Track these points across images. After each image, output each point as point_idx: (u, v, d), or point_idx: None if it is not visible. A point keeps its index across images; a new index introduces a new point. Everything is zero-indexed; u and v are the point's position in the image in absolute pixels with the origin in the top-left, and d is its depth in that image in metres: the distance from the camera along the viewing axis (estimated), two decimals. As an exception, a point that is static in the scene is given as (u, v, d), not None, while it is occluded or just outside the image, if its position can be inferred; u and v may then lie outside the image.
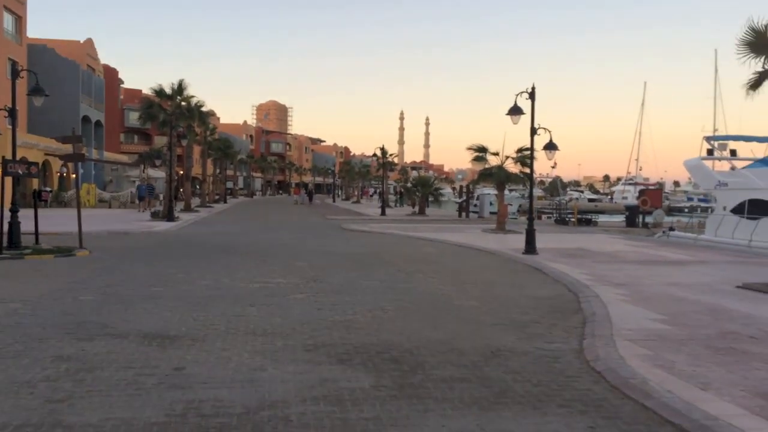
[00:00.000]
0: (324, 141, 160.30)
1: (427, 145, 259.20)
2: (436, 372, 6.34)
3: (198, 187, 59.78)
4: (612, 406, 5.41)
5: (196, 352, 6.94)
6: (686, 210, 60.56)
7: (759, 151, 27.80)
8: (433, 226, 31.70)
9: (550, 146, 20.22)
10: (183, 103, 36.05)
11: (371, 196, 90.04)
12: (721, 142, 28.54)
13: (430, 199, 46.73)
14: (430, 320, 8.92)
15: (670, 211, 57.09)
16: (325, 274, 13.53)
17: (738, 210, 23.96)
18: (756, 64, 11.78)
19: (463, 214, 43.88)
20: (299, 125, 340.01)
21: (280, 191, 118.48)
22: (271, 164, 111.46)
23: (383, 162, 53.33)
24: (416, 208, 46.55)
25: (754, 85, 11.95)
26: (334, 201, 77.78)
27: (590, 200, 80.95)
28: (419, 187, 46.61)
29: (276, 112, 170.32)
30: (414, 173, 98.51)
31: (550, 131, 19.68)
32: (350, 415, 5.08)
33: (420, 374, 6.25)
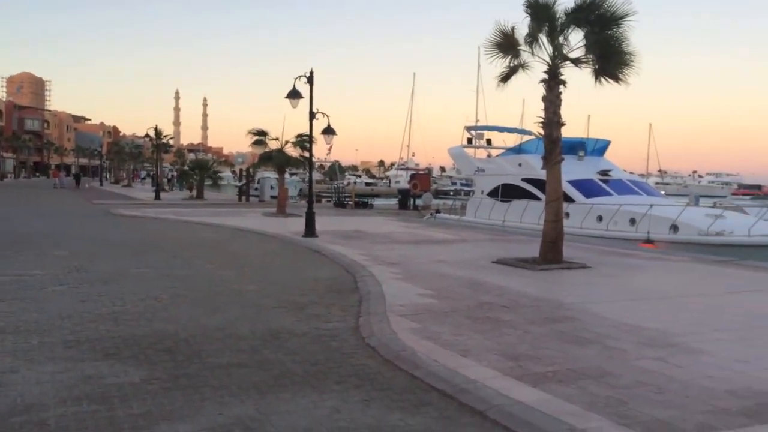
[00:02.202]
0: (89, 119, 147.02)
1: (205, 127, 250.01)
2: (213, 359, 6.17)
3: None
4: (385, 378, 5.70)
5: (-73, 358, 5.98)
6: (451, 193, 65.63)
7: (510, 140, 31.14)
8: (212, 210, 30.81)
9: (328, 131, 20.68)
10: None
11: (143, 179, 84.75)
12: (479, 131, 31.45)
13: (208, 182, 45.30)
14: (208, 307, 8.65)
15: (438, 194, 61.62)
16: (91, 263, 12.47)
17: (493, 194, 26.61)
18: (503, 62, 13.12)
19: (244, 198, 43.23)
20: (60, 101, 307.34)
21: (37, 173, 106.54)
22: (25, 143, 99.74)
23: (157, 143, 50.43)
24: (194, 192, 44.85)
25: (504, 78, 13.32)
26: (101, 184, 71.89)
27: (367, 184, 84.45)
28: (197, 170, 44.96)
29: (31, 86, 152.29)
30: (191, 156, 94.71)
31: (328, 116, 20.13)
32: (117, 412, 4.74)
33: (196, 363, 6.03)
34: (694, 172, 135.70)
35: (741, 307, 8.88)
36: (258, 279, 11.08)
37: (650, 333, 7.24)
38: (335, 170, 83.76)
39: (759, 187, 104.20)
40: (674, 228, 19.77)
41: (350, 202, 39.00)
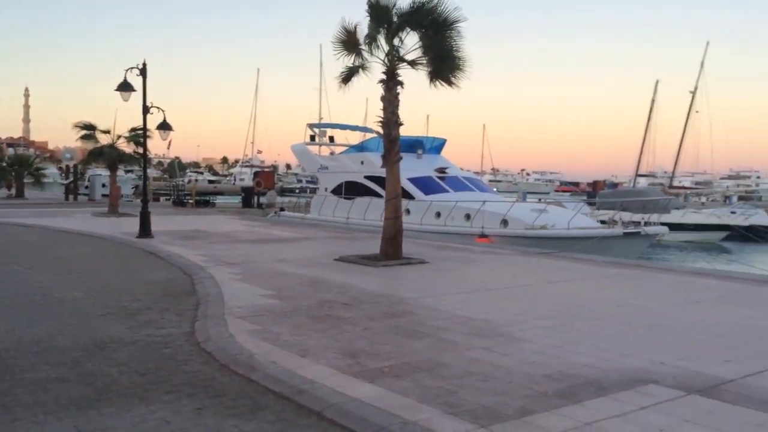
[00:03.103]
0: None
1: (27, 120, 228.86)
2: (28, 375, 5.64)
3: None
4: (220, 384, 5.52)
5: None
6: (297, 191, 65.40)
7: (354, 138, 31.55)
8: (35, 210, 28.28)
9: (164, 126, 19.73)
10: None
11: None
12: (322, 129, 31.57)
13: (29, 180, 41.48)
14: (25, 317, 7.91)
15: (283, 192, 61.05)
16: None
17: (337, 191, 26.84)
18: (348, 60, 13.28)
19: (72, 197, 40.10)
20: None
21: None
22: None
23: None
24: (13, 191, 40.89)
25: (345, 79, 13.47)
26: None
27: (210, 182, 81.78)
28: (16, 166, 41.02)
29: None
30: (10, 150, 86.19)
31: (164, 111, 19.19)
32: None
33: (8, 380, 5.48)
34: (523, 170, 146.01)
35: (559, 296, 9.66)
36: (85, 285, 10.31)
37: (480, 324, 7.66)
38: (174, 167, 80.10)
39: (577, 184, 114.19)
40: (504, 222, 21.10)
41: (191, 201, 37.54)
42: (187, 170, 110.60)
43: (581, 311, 8.51)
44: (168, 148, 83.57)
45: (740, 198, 60.48)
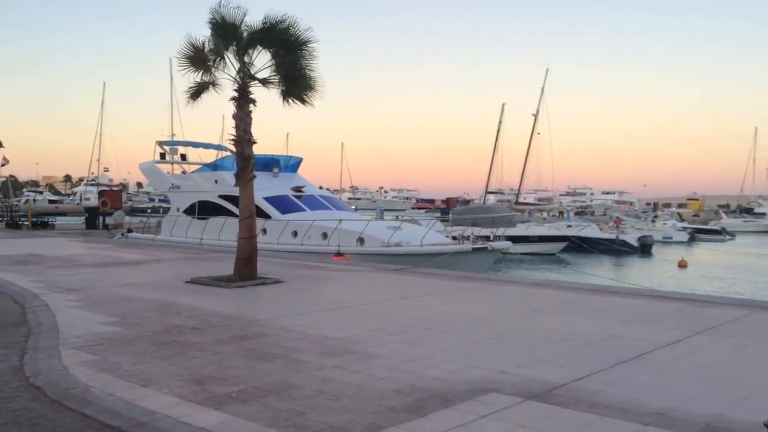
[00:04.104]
0: None
1: None
2: None
3: None
4: (50, 421, 5.09)
5: None
6: (149, 210, 62.46)
7: (208, 156, 30.66)
8: None
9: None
10: None
11: None
12: (173, 147, 30.37)
13: None
14: None
15: (133, 211, 58.05)
16: None
17: (190, 211, 25.89)
18: (197, 76, 12.91)
19: None
20: None
21: None
22: None
23: None
24: None
25: (194, 95, 13.09)
26: None
27: (51, 201, 75.95)
28: None
29: None
30: None
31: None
32: None
33: None
34: (381, 188, 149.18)
35: (412, 311, 9.92)
36: None
37: (333, 342, 7.67)
38: (8, 186, 73.59)
39: (433, 201, 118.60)
40: (361, 240, 21.37)
41: (26, 222, 34.57)
42: (24, 189, 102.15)
43: (432, 325, 8.78)
44: (3, 165, 76.88)
45: (576, 213, 65.73)
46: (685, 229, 55.48)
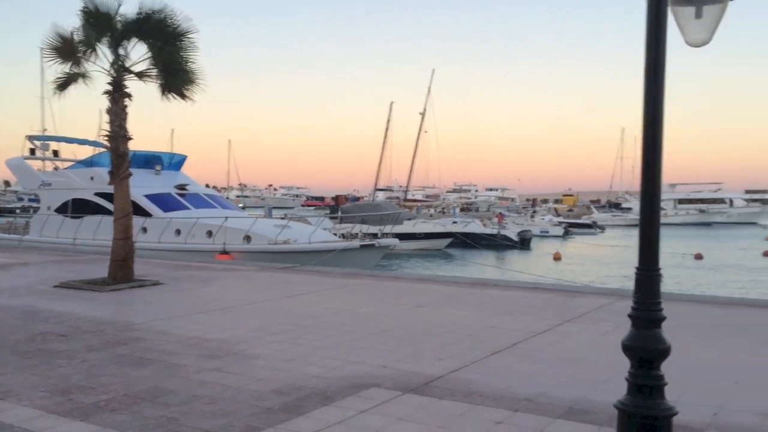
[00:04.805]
0: None
1: None
2: None
3: None
4: None
5: None
6: (18, 210, 58.41)
7: (82, 153, 29.01)
8: None
9: None
10: None
11: None
12: (44, 142, 28.49)
13: None
14: None
15: (1, 212, 54.04)
16: None
17: (62, 209, 24.39)
18: (65, 68, 12.14)
19: None
20: None
21: None
22: None
23: None
24: None
25: (61, 86, 12.31)
26: None
27: None
28: None
29: None
30: None
31: None
32: None
33: None
34: (271, 185, 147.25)
35: (296, 309, 9.84)
36: None
37: (213, 344, 7.47)
38: None
39: (323, 198, 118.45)
40: (247, 238, 20.99)
41: None
42: None
43: (315, 323, 8.75)
44: None
45: (462, 209, 67.89)
46: (560, 223, 58.81)
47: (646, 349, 3.47)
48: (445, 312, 9.66)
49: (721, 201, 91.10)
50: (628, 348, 3.53)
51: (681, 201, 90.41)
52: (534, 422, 4.91)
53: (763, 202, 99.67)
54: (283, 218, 27.36)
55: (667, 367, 3.57)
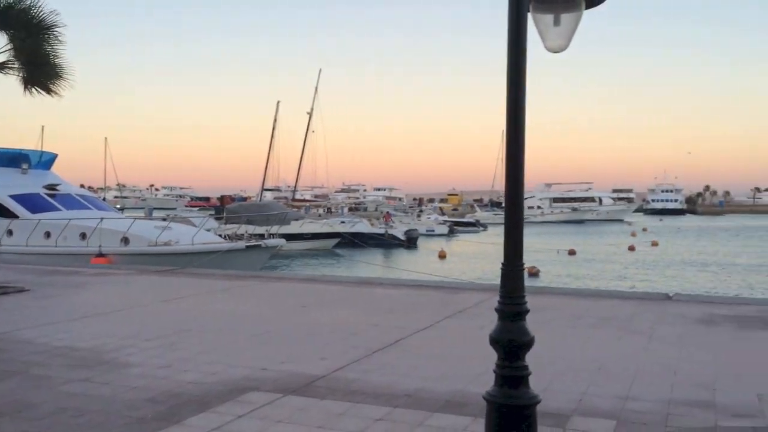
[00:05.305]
0: None
1: None
2: None
3: None
4: None
5: None
6: None
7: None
8: None
9: None
10: None
11: None
12: None
13: None
14: None
15: None
16: None
17: None
18: None
19: None
20: None
21: None
22: None
23: None
24: None
25: None
26: None
27: None
28: None
29: None
30: None
31: None
32: None
33: None
34: (152, 185, 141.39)
35: (174, 314, 9.50)
36: None
37: (83, 353, 7.07)
38: None
39: (208, 199, 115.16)
40: (125, 240, 20.06)
41: None
42: None
43: (194, 327, 8.49)
44: None
45: (350, 209, 68.27)
46: (445, 222, 60.54)
47: (511, 342, 3.64)
48: (330, 312, 9.67)
49: (592, 200, 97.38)
50: (495, 341, 3.69)
51: (555, 200, 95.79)
52: (412, 417, 5.03)
53: (628, 200, 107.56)
54: (164, 219, 26.37)
55: (536, 358, 3.76)
